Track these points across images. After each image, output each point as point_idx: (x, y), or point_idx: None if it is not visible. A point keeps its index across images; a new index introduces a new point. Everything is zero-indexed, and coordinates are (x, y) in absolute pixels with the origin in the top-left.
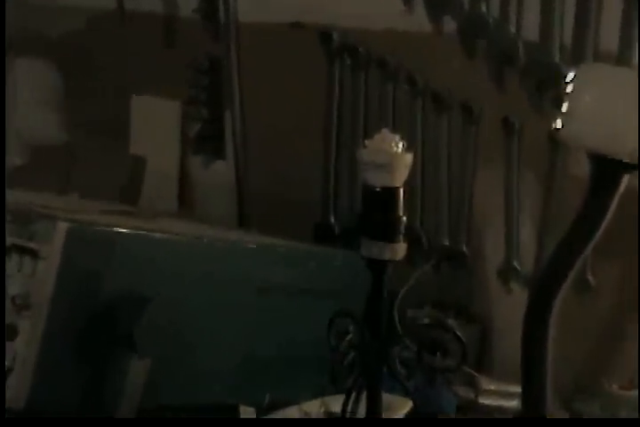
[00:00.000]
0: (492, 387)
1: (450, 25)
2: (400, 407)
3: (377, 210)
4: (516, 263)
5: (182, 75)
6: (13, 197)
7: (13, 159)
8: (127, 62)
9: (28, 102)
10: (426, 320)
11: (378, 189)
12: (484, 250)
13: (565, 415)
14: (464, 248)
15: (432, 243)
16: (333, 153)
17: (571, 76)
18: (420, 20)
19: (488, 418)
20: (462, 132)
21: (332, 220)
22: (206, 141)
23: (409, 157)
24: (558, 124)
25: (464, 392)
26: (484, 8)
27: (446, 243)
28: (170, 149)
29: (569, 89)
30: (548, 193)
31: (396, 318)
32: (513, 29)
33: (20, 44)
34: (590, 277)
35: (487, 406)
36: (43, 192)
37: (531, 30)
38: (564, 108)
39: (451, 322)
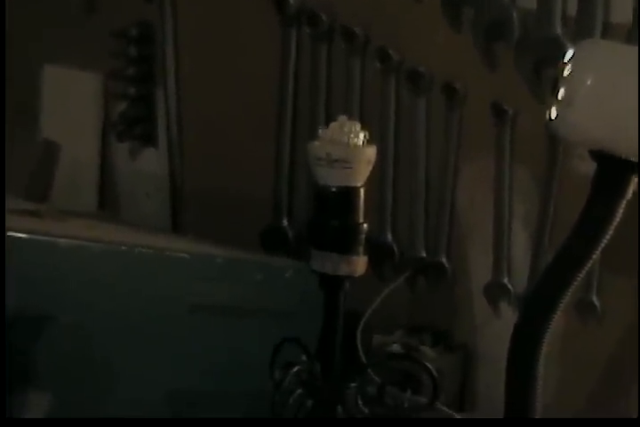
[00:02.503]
0: None
1: None
2: None
3: (331, 215)
4: (506, 280)
5: (105, 43)
6: None
7: None
8: (37, 26)
9: None
10: (395, 348)
11: (333, 190)
12: (468, 263)
13: None
14: (444, 261)
15: (405, 254)
16: (288, 141)
17: (569, 55)
18: None
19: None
20: (444, 118)
21: (285, 223)
22: (134, 125)
23: (372, 151)
24: (553, 113)
25: None
26: None
27: (422, 254)
28: (89, 133)
29: (566, 71)
30: (546, 195)
31: (359, 346)
32: None
33: None
34: (595, 299)
35: None
36: None
37: None
38: (560, 94)
39: (426, 350)
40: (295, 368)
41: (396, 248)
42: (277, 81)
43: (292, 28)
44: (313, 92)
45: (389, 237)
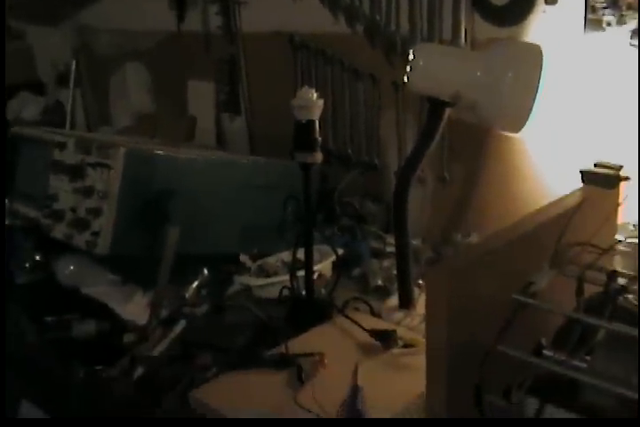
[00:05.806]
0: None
1: (360, 28)
2: (328, 255)
3: (303, 134)
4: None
5: (214, 66)
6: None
7: (124, 121)
8: (186, 58)
9: (136, 89)
10: (356, 204)
11: (303, 122)
12: (388, 161)
13: None
14: (376, 161)
15: (357, 159)
16: None
17: (412, 50)
18: (343, 26)
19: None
20: (371, 92)
21: None
22: (230, 105)
23: (321, 102)
24: (405, 79)
25: (376, 244)
26: (377, 17)
27: (366, 158)
28: (210, 110)
29: (410, 58)
30: (420, 125)
31: (336, 202)
32: (394, 28)
33: (123, 55)
34: (446, 174)
35: (390, 252)
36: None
37: (404, 29)
38: (408, 69)
39: (370, 204)
40: (289, 208)
41: (352, 156)
42: (293, 78)
43: (298, 52)
44: (309, 82)
45: (349, 151)
